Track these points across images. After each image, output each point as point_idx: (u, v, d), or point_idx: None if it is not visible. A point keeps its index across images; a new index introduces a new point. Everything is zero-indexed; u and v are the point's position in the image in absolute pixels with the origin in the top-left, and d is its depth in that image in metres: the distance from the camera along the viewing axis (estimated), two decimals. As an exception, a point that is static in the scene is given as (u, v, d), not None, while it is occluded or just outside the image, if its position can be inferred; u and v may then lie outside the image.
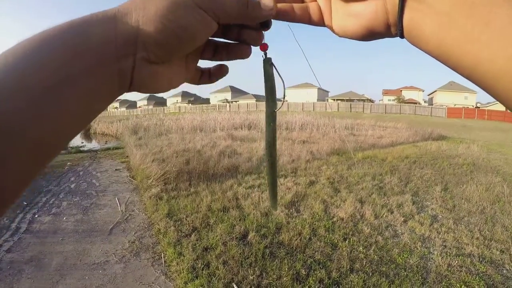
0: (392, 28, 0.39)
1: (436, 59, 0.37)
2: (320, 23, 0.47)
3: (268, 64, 0.49)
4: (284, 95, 0.50)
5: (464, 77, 0.35)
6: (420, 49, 0.38)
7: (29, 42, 0.32)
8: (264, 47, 0.48)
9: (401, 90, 71.30)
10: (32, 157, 0.32)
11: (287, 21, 0.47)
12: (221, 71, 0.52)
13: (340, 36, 0.46)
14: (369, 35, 0.41)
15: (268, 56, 0.49)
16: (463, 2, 0.31)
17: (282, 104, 0.57)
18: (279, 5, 0.45)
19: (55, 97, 0.31)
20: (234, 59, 0.50)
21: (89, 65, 0.33)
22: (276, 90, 0.51)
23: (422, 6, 0.34)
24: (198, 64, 0.50)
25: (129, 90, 0.41)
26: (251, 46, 0.49)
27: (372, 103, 55.12)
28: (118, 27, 0.36)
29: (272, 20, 0.46)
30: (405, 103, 57.99)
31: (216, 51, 0.50)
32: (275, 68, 0.50)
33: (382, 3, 0.38)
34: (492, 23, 0.29)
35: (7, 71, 0.30)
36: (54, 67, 0.31)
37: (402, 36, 0.38)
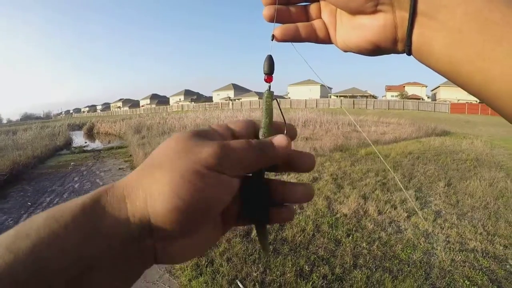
0: (399, 44, 0.38)
1: (446, 77, 0.37)
2: (327, 40, 0.46)
3: (270, 98, 0.44)
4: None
5: (473, 95, 0.35)
6: (429, 66, 0.37)
7: (42, 223, 0.29)
8: (269, 80, 0.45)
9: (404, 86, 70.85)
10: None
11: (294, 41, 0.46)
12: None
13: (344, 51, 0.45)
14: (374, 49, 0.41)
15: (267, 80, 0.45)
16: (475, 19, 0.31)
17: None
18: (284, 26, 0.45)
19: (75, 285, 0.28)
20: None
21: (103, 249, 0.29)
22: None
23: (433, 22, 0.34)
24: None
25: (157, 263, 0.36)
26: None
27: (375, 99, 54.93)
28: (129, 208, 0.32)
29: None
30: (408, 99, 57.72)
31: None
32: (277, 103, 0.45)
33: (391, 17, 0.37)
34: (504, 40, 0.29)
35: (21, 256, 0.26)
36: (71, 251, 0.28)
37: (409, 53, 0.38)
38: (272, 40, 0.45)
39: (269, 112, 0.44)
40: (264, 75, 0.45)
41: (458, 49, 0.32)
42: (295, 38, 0.45)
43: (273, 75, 0.45)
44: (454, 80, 0.36)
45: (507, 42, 0.29)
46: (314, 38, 0.46)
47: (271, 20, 0.44)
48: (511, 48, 0.29)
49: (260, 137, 0.43)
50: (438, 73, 0.37)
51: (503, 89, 0.31)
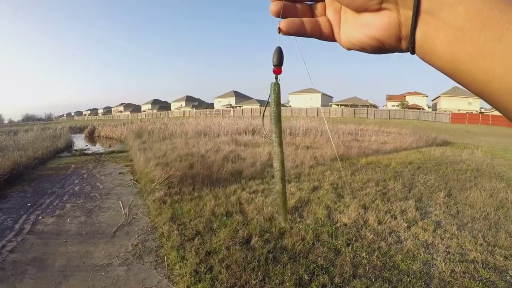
0: (403, 42, 0.39)
1: (448, 75, 0.37)
2: (331, 36, 0.48)
3: (276, 87, 0.51)
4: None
5: (475, 94, 0.36)
6: (432, 64, 0.38)
7: None
8: (278, 71, 0.49)
9: (405, 96, 70.90)
10: None
11: (299, 36, 0.47)
12: None
13: (347, 49, 0.46)
14: (379, 46, 0.42)
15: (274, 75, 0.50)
16: (476, 16, 0.32)
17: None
18: (290, 19, 0.46)
19: None
20: None
21: None
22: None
23: (436, 20, 0.35)
24: None
25: None
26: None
27: (376, 109, 55.01)
28: None
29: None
30: (409, 108, 57.83)
31: None
32: (278, 91, 0.52)
33: (396, 15, 0.38)
34: (505, 38, 0.30)
35: None
36: None
37: (413, 51, 0.39)
38: (279, 33, 0.46)
39: (277, 102, 0.52)
40: (273, 67, 0.49)
41: (460, 47, 0.33)
42: (299, 32, 0.47)
43: (281, 67, 0.49)
44: (456, 78, 0.36)
45: (507, 40, 0.30)
46: (318, 33, 0.48)
47: (277, 15, 0.46)
48: (511, 46, 0.29)
49: (270, 124, 0.53)
50: (441, 71, 0.38)
51: (503, 87, 0.31)
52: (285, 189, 0.58)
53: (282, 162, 0.56)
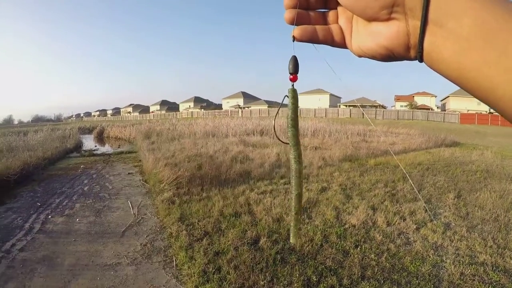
0: (411, 51, 0.40)
1: (454, 82, 0.38)
2: (342, 43, 0.49)
3: (294, 93, 0.53)
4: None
5: (481, 100, 0.37)
6: (439, 72, 0.39)
7: None
8: (294, 79, 0.51)
9: (413, 96, 70.22)
10: None
11: (311, 42, 0.49)
12: None
13: (358, 56, 0.47)
14: (388, 55, 0.43)
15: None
16: (482, 27, 0.33)
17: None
18: (303, 27, 0.48)
19: None
20: None
21: None
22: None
23: (443, 30, 0.36)
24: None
25: None
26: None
27: (384, 109, 54.71)
28: None
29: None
30: (417, 109, 57.37)
31: None
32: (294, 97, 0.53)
33: (404, 24, 0.39)
34: (509, 48, 0.31)
35: None
36: None
37: (421, 59, 0.40)
38: (293, 41, 0.48)
39: (294, 108, 0.53)
40: (289, 74, 0.51)
41: (466, 56, 0.34)
42: (312, 39, 0.48)
43: (297, 74, 0.51)
44: (462, 85, 0.38)
45: (511, 50, 0.31)
46: (330, 40, 0.49)
47: (291, 22, 0.47)
48: None
49: (288, 127, 0.55)
50: (448, 79, 0.39)
51: (507, 95, 0.32)
52: (300, 207, 0.60)
53: (299, 176, 0.61)
